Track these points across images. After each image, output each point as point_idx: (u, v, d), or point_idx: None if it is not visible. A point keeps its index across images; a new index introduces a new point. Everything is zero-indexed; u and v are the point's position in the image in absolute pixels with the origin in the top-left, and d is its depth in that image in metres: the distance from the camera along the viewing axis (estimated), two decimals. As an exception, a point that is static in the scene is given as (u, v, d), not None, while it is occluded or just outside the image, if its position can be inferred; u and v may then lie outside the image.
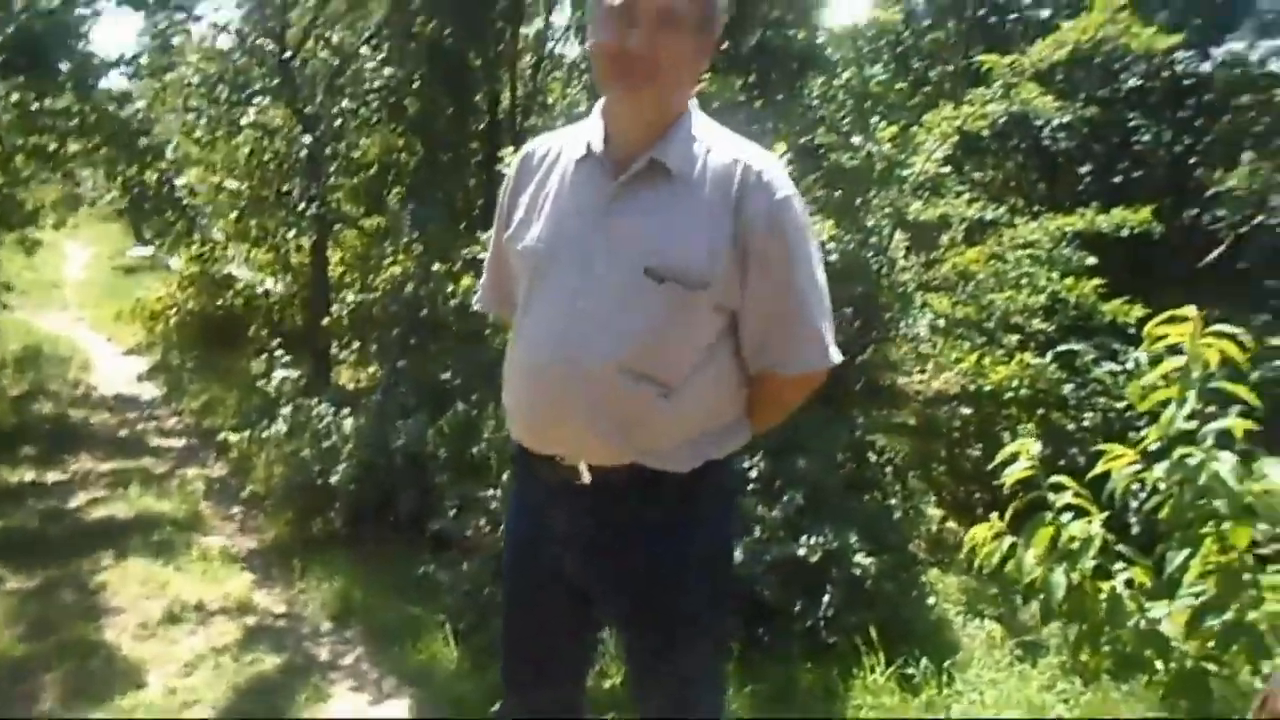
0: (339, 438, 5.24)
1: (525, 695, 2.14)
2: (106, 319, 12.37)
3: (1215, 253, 9.44)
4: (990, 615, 4.28)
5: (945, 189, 5.76)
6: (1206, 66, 10.14)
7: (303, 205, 8.29)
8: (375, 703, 3.67)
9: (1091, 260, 5.62)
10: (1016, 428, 5.69)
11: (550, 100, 9.96)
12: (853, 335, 4.94)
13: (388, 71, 8.74)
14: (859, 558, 3.77)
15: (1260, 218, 9.60)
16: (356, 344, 8.21)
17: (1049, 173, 9.68)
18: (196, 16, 9.06)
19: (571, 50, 9.55)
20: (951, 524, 5.38)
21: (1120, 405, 5.65)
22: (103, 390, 9.38)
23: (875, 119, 5.45)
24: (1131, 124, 9.55)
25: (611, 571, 1.93)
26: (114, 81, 8.25)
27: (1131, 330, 5.38)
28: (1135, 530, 3.44)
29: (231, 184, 9.19)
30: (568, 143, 1.94)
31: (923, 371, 5.65)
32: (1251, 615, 2.47)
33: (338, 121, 8.60)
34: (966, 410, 6.00)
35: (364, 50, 8.88)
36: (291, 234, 9.34)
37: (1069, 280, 5.44)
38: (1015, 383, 5.58)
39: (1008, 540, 2.51)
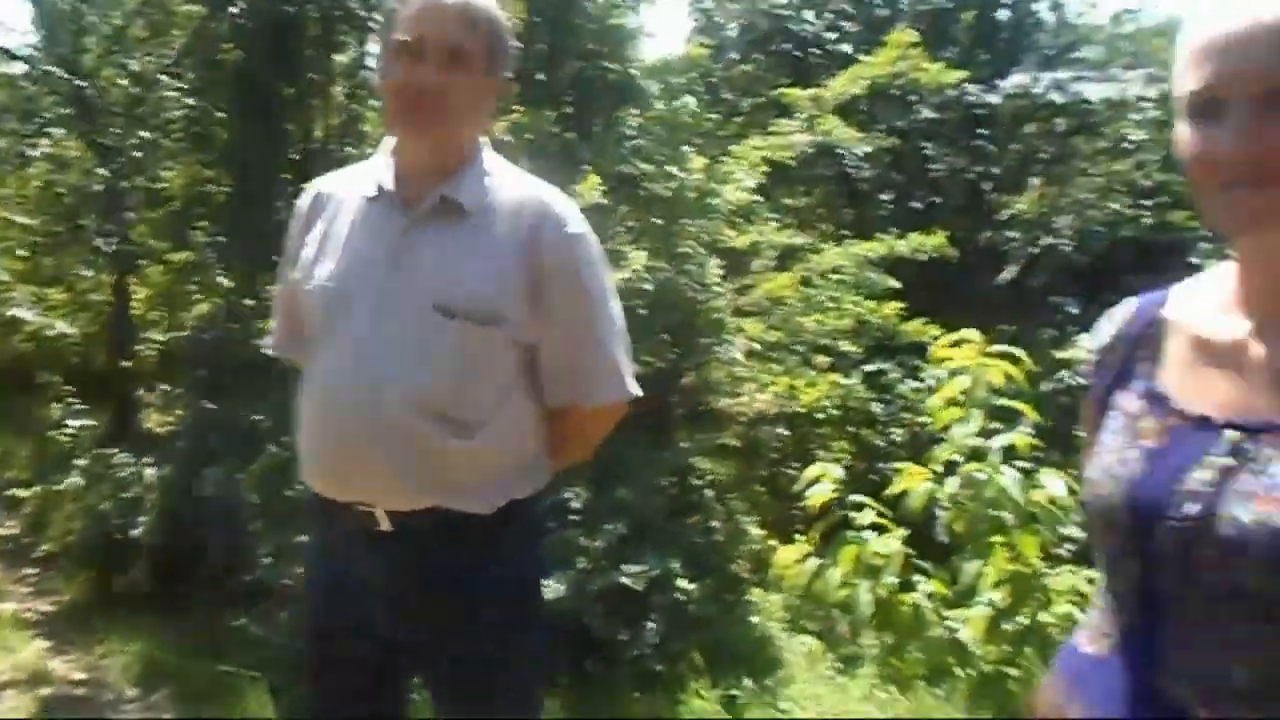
0: (141, 487, 4.95)
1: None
2: (-121, 369, 11.31)
3: (1008, 273, 10.08)
4: (811, 630, 4.39)
5: (757, 217, 5.94)
6: (995, 98, 10.84)
7: (100, 242, 7.82)
8: (183, 771, 3.47)
9: (894, 283, 5.90)
10: (830, 446, 5.90)
11: (366, 129, 9.77)
12: (671, 362, 5.01)
13: (190, 101, 8.37)
14: (682, 583, 3.81)
15: (1048, 239, 10.32)
16: (165, 387, 7.80)
17: (854, 200, 10.14)
18: (-19, 42, 8.47)
19: (386, 80, 9.39)
20: (774, 543, 5.50)
21: (924, 420, 5.93)
22: (-126, 447, 8.57)
23: (688, 149, 5.58)
24: (928, 153, 10.12)
25: (416, 618, 1.88)
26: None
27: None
28: (944, 543, 3.61)
29: (22, 219, 8.60)
30: (357, 181, 1.90)
31: (738, 395, 5.79)
32: (1043, 617, 2.62)
33: (137, 153, 8.16)
34: (784, 431, 6.18)
35: (164, 78, 8.48)
36: (89, 272, 8.80)
37: (871, 303, 5.69)
38: (826, 403, 5.78)
39: (814, 561, 2.59)
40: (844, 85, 5.41)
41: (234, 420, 5.20)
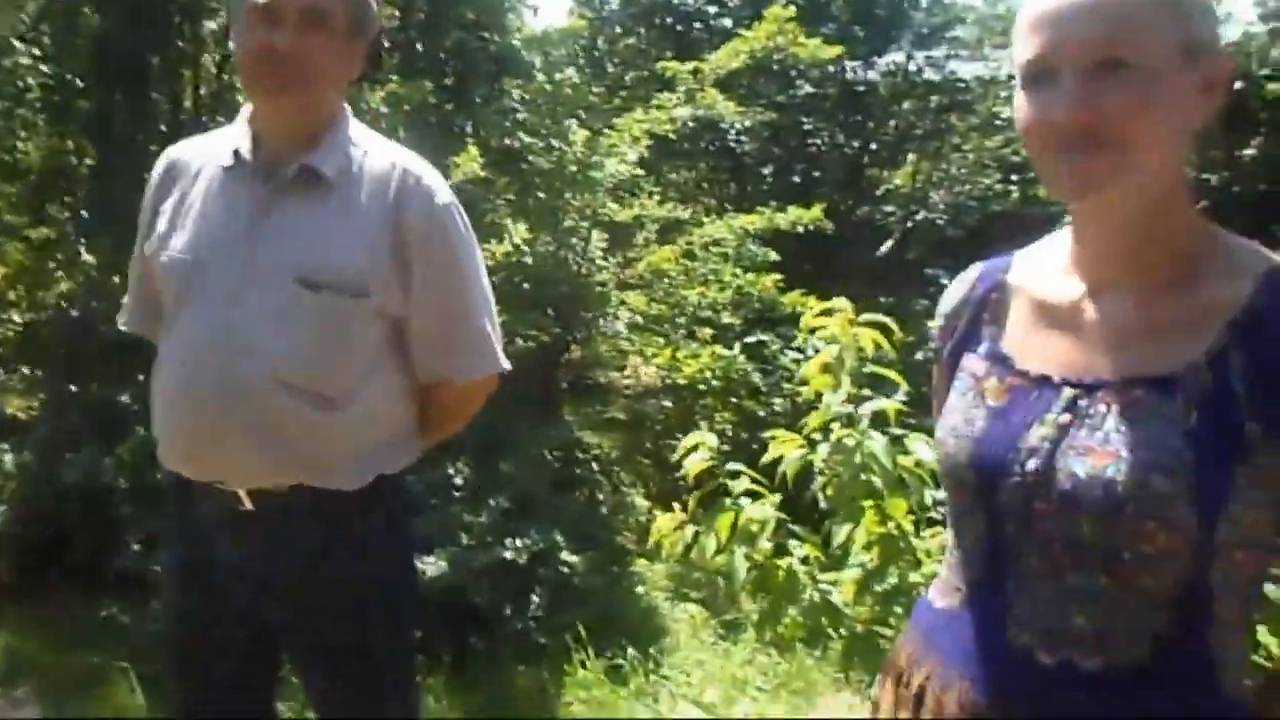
0: (0, 475, 4.71)
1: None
2: None
3: (886, 245, 10.34)
4: (695, 599, 4.46)
5: (640, 191, 5.95)
6: (873, 75, 11.07)
7: (-49, 216, 7.39)
8: (49, 766, 3.33)
9: (774, 256, 5.99)
10: (713, 416, 5.98)
11: (239, 99, 9.44)
12: (556, 335, 5.00)
13: (47, 69, 7.95)
14: (566, 555, 3.82)
15: (922, 213, 10.61)
16: (25, 369, 7.44)
17: (737, 174, 10.25)
18: None
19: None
20: (658, 513, 5.56)
21: (804, 389, 6.05)
22: None
23: (570, 122, 5.55)
24: (807, 128, 10.28)
25: (284, 599, 1.83)
26: None
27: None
28: (820, 509, 3.69)
29: None
30: (214, 149, 1.83)
31: (622, 368, 5.80)
32: (912, 577, 2.70)
33: (-11, 123, 7.73)
34: (667, 403, 6.23)
35: (19, 44, 8.03)
36: (-60, 248, 8.32)
37: (752, 275, 5.77)
38: (708, 374, 5.85)
39: (690, 528, 2.62)
40: (724, 59, 5.45)
41: (99, 403, 5.01)
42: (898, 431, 2.72)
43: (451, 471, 3.88)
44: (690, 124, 5.99)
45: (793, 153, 10.21)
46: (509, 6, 7.50)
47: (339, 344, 1.73)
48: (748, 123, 7.14)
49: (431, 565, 3.55)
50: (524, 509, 3.92)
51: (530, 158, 5.41)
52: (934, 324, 1.31)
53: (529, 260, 4.40)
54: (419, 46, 6.94)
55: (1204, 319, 1.01)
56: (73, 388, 5.29)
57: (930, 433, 2.84)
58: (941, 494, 3.14)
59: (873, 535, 2.65)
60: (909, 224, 10.41)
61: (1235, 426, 0.96)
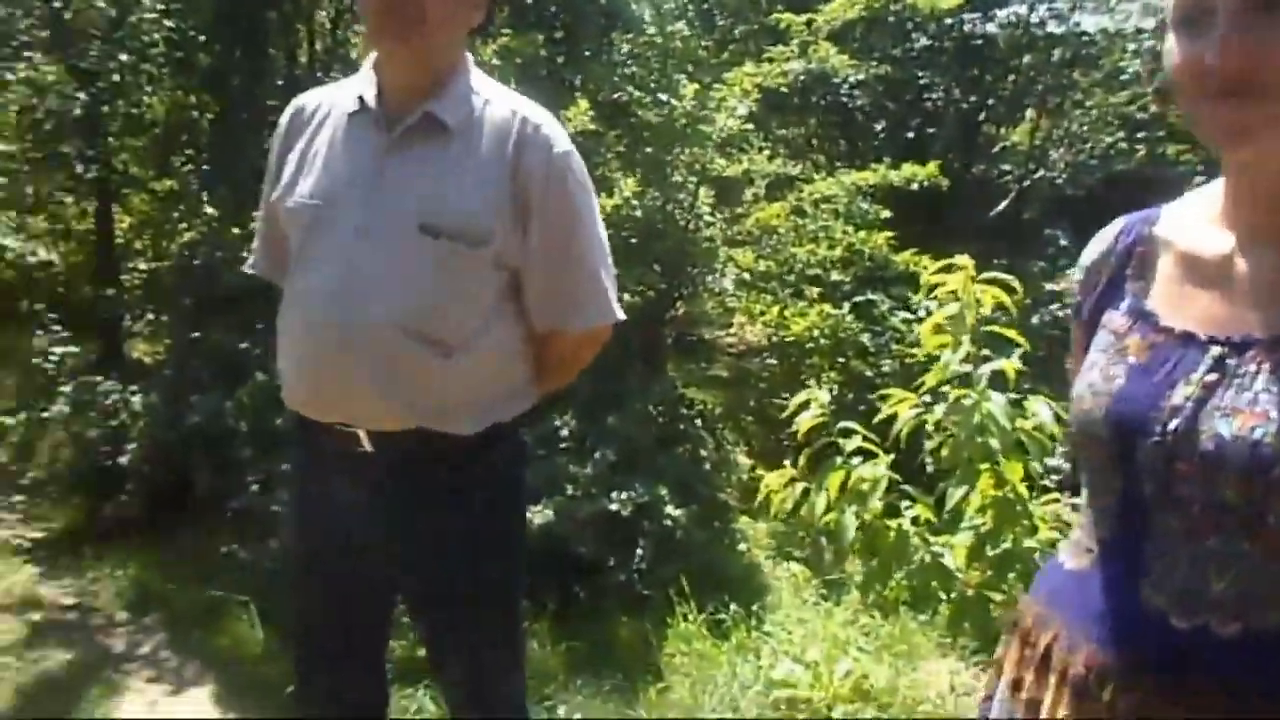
0: (128, 416, 4.92)
1: (320, 674, 2.06)
2: None
3: (1001, 204, 10.02)
4: (797, 558, 4.44)
5: (748, 145, 5.87)
6: (991, 27, 10.67)
7: (82, 168, 7.70)
8: (174, 692, 3.50)
9: (886, 214, 5.85)
10: (820, 376, 5.90)
11: (353, 55, 9.60)
12: (662, 291, 4.99)
13: (171, 24, 8.19)
14: (670, 509, 3.83)
15: (1040, 171, 10.24)
16: (151, 315, 7.75)
17: (848, 129, 10.02)
18: (-51, -38, 8.24)
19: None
20: (761, 471, 5.53)
21: (915, 351, 5.93)
22: None
23: (680, 76, 5.49)
24: (923, 82, 9.98)
25: (400, 540, 1.88)
26: None
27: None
28: (930, 470, 3.62)
29: (0, 146, 8.46)
30: (340, 97, 1.86)
31: (730, 325, 5.76)
32: (1027, 543, 2.63)
33: (117, 77, 8.00)
34: (773, 361, 6.17)
35: (144, 0, 8.29)
36: (71, 199, 8.69)
37: (863, 233, 5.65)
38: (816, 333, 5.76)
39: (800, 486, 2.60)
40: (839, 10, 5.31)
41: (221, 348, 5.18)
42: (1014, 395, 2.65)
43: (558, 423, 3.91)
44: (801, 78, 5.86)
45: (906, 108, 9.92)
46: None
47: (458, 291, 1.75)
48: (861, 77, 6.96)
49: (538, 514, 3.59)
50: (629, 462, 3.94)
51: (639, 111, 5.38)
52: (1073, 278, 1.25)
53: (638, 214, 4.39)
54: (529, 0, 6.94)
55: None
56: (196, 334, 5.48)
57: (1050, 395, 2.74)
58: (1059, 462, 3.06)
59: (987, 498, 2.59)
60: (1026, 183, 10.06)
61: None
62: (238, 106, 8.41)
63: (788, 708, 3.13)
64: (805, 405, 2.60)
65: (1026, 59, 10.76)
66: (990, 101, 10.65)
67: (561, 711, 3.27)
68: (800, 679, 3.22)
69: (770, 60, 5.59)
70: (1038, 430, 2.56)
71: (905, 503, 2.64)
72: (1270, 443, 0.91)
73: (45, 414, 5.37)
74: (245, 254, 5.65)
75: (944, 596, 2.65)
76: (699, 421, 4.93)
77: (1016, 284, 2.63)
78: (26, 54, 8.19)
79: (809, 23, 5.39)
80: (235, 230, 6.63)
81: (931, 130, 9.84)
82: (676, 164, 5.25)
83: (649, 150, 5.26)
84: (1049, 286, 5.49)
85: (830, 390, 3.95)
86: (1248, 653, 0.96)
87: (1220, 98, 0.94)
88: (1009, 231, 9.49)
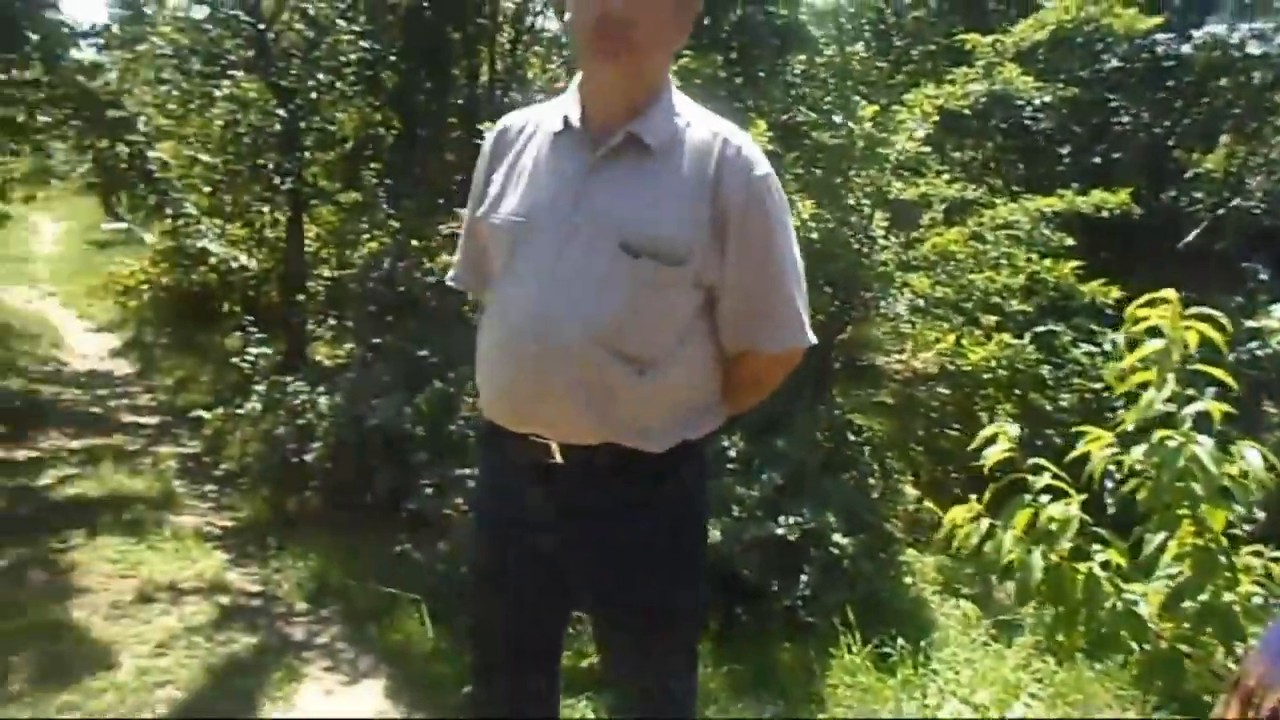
0: (314, 415, 5.19)
1: (497, 678, 2.11)
2: (78, 295, 12.20)
3: (1192, 234, 9.48)
4: (966, 595, 4.29)
5: (925, 168, 5.74)
6: (1186, 48, 10.14)
7: (278, 180, 8.18)
8: (349, 683, 3.64)
9: (1070, 241, 5.61)
10: (994, 408, 5.70)
11: (530, 75, 9.89)
12: (833, 314, 4.92)
13: (365, 44, 8.63)
14: (837, 537, 3.76)
15: (1236, 200, 9.64)
16: (332, 321, 8.15)
17: (1028, 153, 9.67)
18: (168, -14, 8.92)
19: (551, 25, 9.49)
20: (928, 504, 5.39)
21: (1097, 386, 5.66)
22: (74, 366, 9.26)
23: (856, 98, 5.42)
24: (1111, 105, 9.54)
25: (585, 552, 1.90)
26: (84, 52, 8.08)
27: (1109, 311, 5.38)
28: (1111, 511, 3.44)
29: (205, 158, 9.07)
30: (544, 117, 1.91)
31: (901, 351, 5.62)
32: (1226, 597, 2.47)
33: (314, 95, 8.48)
34: (944, 390, 5.99)
35: (340, 22, 8.76)
36: (266, 209, 9.24)
37: (1048, 261, 5.43)
38: (993, 363, 5.57)
39: (985, 522, 2.50)
40: (1029, 30, 5.13)
41: (401, 356, 5.40)
42: (1219, 437, 2.49)
43: (726, 444, 3.90)
44: (982, 100, 5.69)
45: (1092, 132, 9.50)
46: (796, -20, 7.42)
47: (656, 309, 1.77)
48: (1046, 99, 6.72)
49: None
50: (796, 486, 3.89)
51: (813, 133, 5.33)
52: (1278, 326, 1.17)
53: (813, 235, 4.34)
54: (705, 20, 6.99)
55: None
56: (377, 340, 5.73)
57: (1252, 439, 2.56)
58: (1257, 513, 2.85)
59: (1186, 546, 2.45)
60: (1219, 212, 9.48)
61: None
62: (421, 123, 8.79)
63: (956, 751, 3.02)
64: (993, 439, 2.51)
65: (1223, 81, 10.17)
66: (1182, 126, 10.10)
67: (721, 734, 3.25)
68: (969, 721, 3.11)
69: (952, 81, 5.45)
70: (1244, 476, 2.40)
71: (1095, 546, 2.52)
72: None
73: (239, 410, 5.71)
74: (426, 264, 5.88)
75: (1135, 647, 2.50)
76: (866, 449, 4.83)
77: (1225, 321, 2.48)
78: (231, 72, 8.78)
79: (995, 44, 5.22)
80: (415, 242, 6.93)
81: (1117, 155, 9.40)
82: (851, 186, 5.17)
83: (822, 172, 5.20)
84: (1248, 323, 5.15)
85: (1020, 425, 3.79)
86: None
87: None
88: (1199, 263, 8.96)
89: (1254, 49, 10.43)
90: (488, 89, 8.77)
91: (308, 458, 4.99)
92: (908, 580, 4.23)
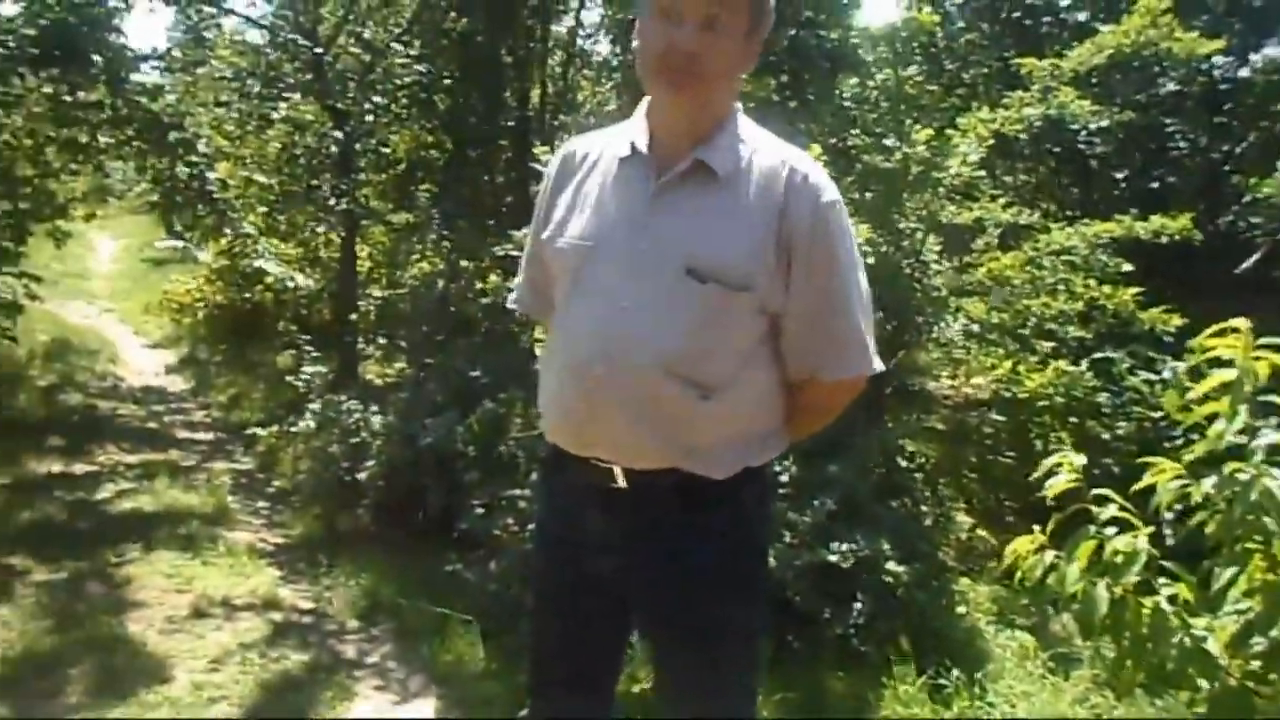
0: (368, 434, 5.24)
1: (554, 699, 2.10)
2: (134, 311, 12.45)
3: (1250, 260, 9.31)
4: (1022, 626, 4.22)
5: (979, 192, 5.69)
6: (1245, 72, 10.00)
7: (332, 200, 8.30)
8: (400, 702, 3.66)
9: (1127, 267, 5.53)
10: (1049, 436, 5.61)
11: (580, 99, 9.97)
12: (886, 339, 4.88)
13: (419, 68, 8.75)
14: (891, 565, 3.72)
15: (1294, 226, 9.45)
16: (383, 340, 8.24)
17: (1083, 177, 9.55)
18: (228, 10, 9.10)
19: (602, 48, 9.56)
20: (981, 532, 5.31)
21: (1156, 415, 5.55)
22: (130, 382, 9.43)
23: (909, 121, 5.40)
24: (1169, 129, 9.42)
25: (646, 576, 1.89)
26: (146, 75, 8.28)
27: (1168, 339, 5.29)
28: (1170, 544, 3.36)
29: (261, 178, 9.23)
30: (610, 142, 1.91)
31: (954, 377, 5.56)
32: (1297, 634, 2.41)
33: (369, 117, 8.61)
34: (999, 417, 5.91)
35: (395, 46, 8.90)
36: (321, 229, 9.37)
37: (1107, 288, 5.35)
38: (1050, 390, 5.49)
39: (1050, 554, 2.46)
40: (1086, 54, 5.08)
41: (452, 376, 5.44)
42: None
43: (779, 469, 3.87)
44: (1037, 124, 5.64)
45: (1148, 156, 9.37)
46: (846, 2, 7.41)
47: (721, 335, 1.76)
48: (1104, 123, 6.63)
49: (758, 560, 3.56)
50: (849, 513, 3.85)
51: (865, 156, 5.31)
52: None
53: (870, 260, 4.31)
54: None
55: None
56: (429, 360, 5.78)
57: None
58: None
59: (1257, 582, 2.39)
60: (1278, 238, 9.30)
61: None
62: (472, 146, 8.88)
63: (1015, 786, 2.96)
64: (1056, 467, 2.47)
65: (1281, 105, 10.01)
66: (1240, 150, 9.93)
67: (773, 762, 3.21)
68: (1027, 756, 3.05)
69: (1006, 105, 5.41)
70: (1316, 511, 2.34)
71: (1162, 579, 2.47)
72: None
73: (293, 428, 5.78)
74: (478, 286, 5.92)
75: (1202, 684, 2.44)
76: (918, 475, 4.78)
77: (1300, 351, 2.42)
78: (288, 94, 8.94)
79: (1052, 68, 5.18)
80: (466, 263, 6.98)
81: (1174, 180, 9.26)
82: (904, 210, 5.14)
83: (875, 196, 5.18)
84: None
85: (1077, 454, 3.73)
86: None
87: None
88: (1258, 289, 8.78)
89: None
90: (539, 112, 8.84)
91: (360, 476, 5.03)
92: (961, 610, 4.16)
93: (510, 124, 8.83)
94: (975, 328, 5.28)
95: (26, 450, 6.66)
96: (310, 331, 8.85)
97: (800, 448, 3.88)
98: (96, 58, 7.10)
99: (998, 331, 5.39)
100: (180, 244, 12.65)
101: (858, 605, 3.65)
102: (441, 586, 4.41)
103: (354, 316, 7.73)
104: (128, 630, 4.08)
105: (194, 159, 7.70)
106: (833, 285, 1.81)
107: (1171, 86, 9.33)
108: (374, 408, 5.38)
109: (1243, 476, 2.27)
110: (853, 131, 5.66)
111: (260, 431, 6.30)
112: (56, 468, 6.50)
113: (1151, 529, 2.45)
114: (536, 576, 2.12)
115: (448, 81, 8.80)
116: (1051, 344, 5.70)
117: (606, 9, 8.31)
